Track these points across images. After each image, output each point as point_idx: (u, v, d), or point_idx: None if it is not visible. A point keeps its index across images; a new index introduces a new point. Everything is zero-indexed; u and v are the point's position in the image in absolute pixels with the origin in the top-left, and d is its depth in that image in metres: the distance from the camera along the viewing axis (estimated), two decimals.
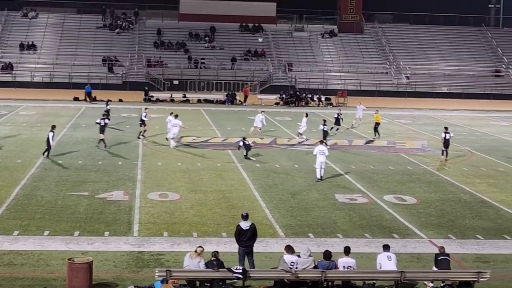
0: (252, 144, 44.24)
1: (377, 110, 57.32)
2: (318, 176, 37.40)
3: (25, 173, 37.27)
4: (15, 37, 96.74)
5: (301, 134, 52.02)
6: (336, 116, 56.07)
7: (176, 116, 47.88)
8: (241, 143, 43.62)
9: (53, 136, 41.65)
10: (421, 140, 53.45)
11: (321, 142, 39.60)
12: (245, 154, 42.89)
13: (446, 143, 44.70)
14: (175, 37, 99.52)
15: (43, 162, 40.27)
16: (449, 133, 45.02)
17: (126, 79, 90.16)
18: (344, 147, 49.27)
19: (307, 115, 53.75)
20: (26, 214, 29.36)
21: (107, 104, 59.93)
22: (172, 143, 46.44)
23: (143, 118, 50.08)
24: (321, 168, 37.46)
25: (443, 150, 44.98)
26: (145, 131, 50.24)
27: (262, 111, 55.54)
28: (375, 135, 54.37)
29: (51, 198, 32.06)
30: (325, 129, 50.23)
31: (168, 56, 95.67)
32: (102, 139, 45.50)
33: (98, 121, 46.81)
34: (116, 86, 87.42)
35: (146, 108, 53.67)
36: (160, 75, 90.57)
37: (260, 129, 53.31)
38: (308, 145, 49.50)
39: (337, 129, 55.78)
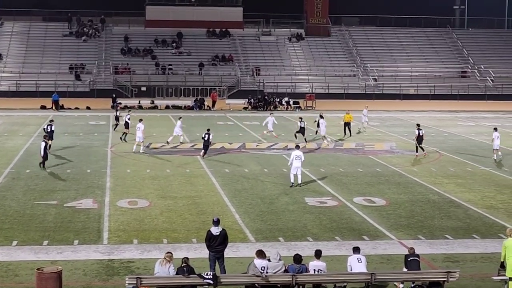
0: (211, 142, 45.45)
1: (348, 111, 57.90)
2: (292, 181, 36.94)
3: None
4: None
5: (325, 137, 51.94)
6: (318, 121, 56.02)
7: (140, 120, 48.04)
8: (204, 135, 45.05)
9: (45, 147, 41.14)
10: (390, 142, 53.70)
11: (297, 147, 38.66)
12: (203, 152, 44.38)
13: (420, 139, 46.72)
14: (142, 44, 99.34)
15: (10, 172, 39.97)
16: (421, 129, 47.15)
17: (94, 86, 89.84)
18: (313, 150, 49.33)
19: (322, 116, 53.40)
20: None
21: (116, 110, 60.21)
22: (136, 148, 46.88)
23: (127, 120, 51.41)
24: (296, 173, 37.00)
25: (417, 147, 46.98)
26: (126, 134, 50.34)
27: (271, 113, 56.48)
28: (345, 134, 55.83)
29: (19, 208, 31.80)
30: (302, 126, 51.40)
31: (136, 63, 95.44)
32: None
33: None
34: (83, 94, 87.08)
35: (129, 111, 53.76)
36: (128, 81, 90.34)
37: (272, 131, 54.49)
38: (277, 149, 49.57)
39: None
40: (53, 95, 76.97)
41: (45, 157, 40.82)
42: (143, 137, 47.26)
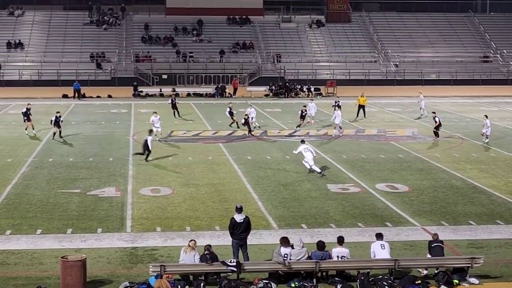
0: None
1: (362, 94, 59.71)
2: (308, 167, 37.13)
3: (16, 172, 37.18)
4: (1, 36, 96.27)
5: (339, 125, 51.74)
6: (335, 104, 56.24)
7: (154, 113, 48.37)
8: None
9: (151, 141, 41.07)
10: (412, 128, 53.47)
11: (302, 142, 38.54)
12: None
13: (438, 126, 48.00)
14: (163, 32, 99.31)
15: (33, 161, 40.18)
16: (437, 116, 48.72)
17: (115, 75, 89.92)
18: (335, 137, 49.25)
19: (339, 107, 53.72)
20: (18, 213, 29.30)
21: None
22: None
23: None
24: (311, 166, 36.92)
25: (435, 132, 48.25)
26: (55, 134, 48.48)
27: (311, 99, 56.95)
28: (357, 116, 57.87)
29: (43, 197, 31.99)
30: (304, 114, 53.37)
31: (156, 51, 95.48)
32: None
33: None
34: (104, 82, 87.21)
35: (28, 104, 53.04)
36: (149, 70, 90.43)
37: (312, 118, 55.38)
38: (298, 136, 49.49)
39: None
40: (74, 83, 77.13)
41: (149, 150, 40.51)
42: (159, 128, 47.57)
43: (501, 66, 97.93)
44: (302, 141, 38.58)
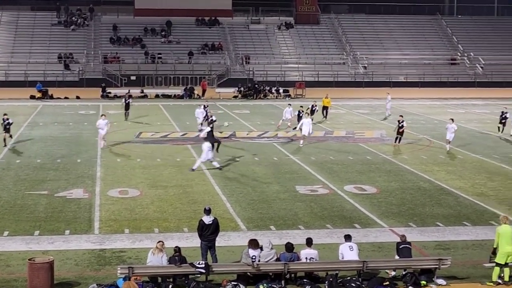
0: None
1: (327, 95, 60.29)
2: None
3: None
4: None
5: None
6: (311, 107, 56.20)
7: (102, 116, 45.96)
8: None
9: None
10: (380, 130, 53.71)
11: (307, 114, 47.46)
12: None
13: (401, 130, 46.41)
14: (131, 33, 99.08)
15: (0, 162, 39.85)
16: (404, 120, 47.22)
17: (83, 76, 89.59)
18: (304, 138, 49.29)
19: (312, 113, 55.00)
20: None
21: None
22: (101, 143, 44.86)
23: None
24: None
25: (398, 137, 46.52)
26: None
27: (289, 104, 56.49)
28: (324, 117, 58.13)
29: (10, 198, 31.73)
30: (301, 115, 51.81)
31: (125, 52, 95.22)
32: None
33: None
34: (72, 83, 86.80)
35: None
36: (117, 71, 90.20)
37: (289, 122, 54.27)
38: (267, 137, 49.57)
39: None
40: (37, 85, 76.87)
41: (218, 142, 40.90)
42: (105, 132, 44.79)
43: (468, 69, 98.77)
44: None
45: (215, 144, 39.65)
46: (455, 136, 45.15)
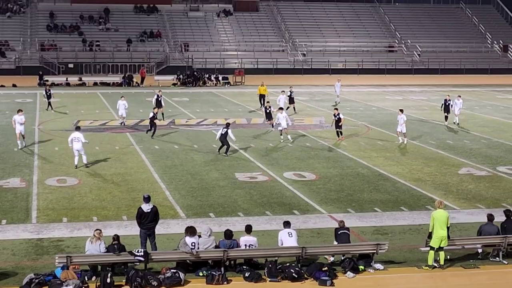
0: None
1: (262, 83, 58.96)
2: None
3: None
4: None
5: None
6: (289, 95, 55.81)
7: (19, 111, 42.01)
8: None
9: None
10: (319, 117, 53.97)
11: (280, 109, 44.85)
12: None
13: (338, 122, 43.42)
14: (68, 20, 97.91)
15: None
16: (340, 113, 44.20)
17: (19, 63, 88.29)
18: (242, 126, 49.41)
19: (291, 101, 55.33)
20: None
21: None
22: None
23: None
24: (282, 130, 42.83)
25: (337, 131, 43.72)
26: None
27: (282, 91, 55.12)
28: (261, 106, 56.22)
29: None
30: (268, 110, 49.19)
31: (62, 40, 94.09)
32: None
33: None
34: (9, 71, 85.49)
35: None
36: (55, 58, 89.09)
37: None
38: (206, 125, 49.50)
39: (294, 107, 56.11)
40: None
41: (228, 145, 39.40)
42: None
43: (406, 56, 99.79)
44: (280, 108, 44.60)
45: (224, 147, 39.18)
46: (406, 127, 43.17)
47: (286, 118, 43.76)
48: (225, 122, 41.88)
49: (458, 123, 50.13)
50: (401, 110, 43.74)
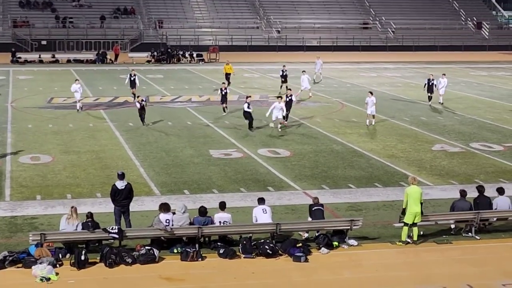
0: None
1: (228, 62, 58.10)
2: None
3: None
4: None
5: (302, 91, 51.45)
6: (281, 73, 55.03)
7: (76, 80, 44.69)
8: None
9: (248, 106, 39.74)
10: (294, 93, 53.86)
11: (279, 97, 41.00)
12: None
13: (289, 104, 41.51)
14: None
15: None
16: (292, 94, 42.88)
17: None
18: (217, 103, 49.27)
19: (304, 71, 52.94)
20: None
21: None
22: None
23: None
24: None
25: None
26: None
27: (303, 71, 53.25)
28: (228, 85, 54.60)
29: None
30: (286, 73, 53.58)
31: (35, 16, 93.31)
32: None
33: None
34: None
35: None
36: (27, 35, 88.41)
37: (310, 93, 52.12)
38: (180, 102, 49.41)
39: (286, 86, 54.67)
40: None
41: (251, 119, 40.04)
42: None
43: (380, 33, 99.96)
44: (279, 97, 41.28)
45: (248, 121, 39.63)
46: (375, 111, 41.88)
47: (282, 108, 39.72)
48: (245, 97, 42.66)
49: (442, 103, 49.24)
50: (371, 93, 42.49)
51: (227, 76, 56.64)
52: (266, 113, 40.33)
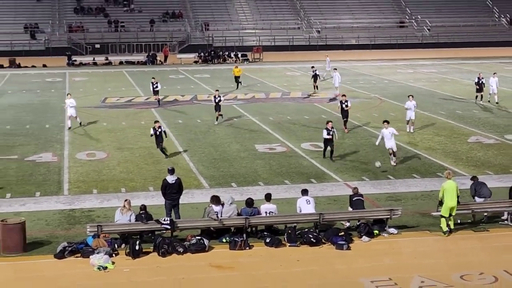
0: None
1: (237, 65, 58.43)
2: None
3: None
4: None
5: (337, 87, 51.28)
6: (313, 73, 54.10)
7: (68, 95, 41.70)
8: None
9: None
10: (334, 90, 53.73)
11: (386, 122, 31.19)
12: None
13: (345, 113, 38.03)
14: (95, 2, 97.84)
15: None
16: (347, 100, 38.29)
17: (49, 45, 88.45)
18: (261, 100, 49.38)
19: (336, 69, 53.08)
20: None
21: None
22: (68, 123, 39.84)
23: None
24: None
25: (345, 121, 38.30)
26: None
27: (334, 69, 53.30)
28: (238, 87, 55.00)
29: None
30: (316, 73, 52.61)
31: (89, 21, 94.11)
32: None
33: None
34: (39, 53, 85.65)
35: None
36: (82, 39, 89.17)
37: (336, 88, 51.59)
38: (227, 99, 49.46)
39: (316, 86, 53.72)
40: None
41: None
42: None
43: (416, 31, 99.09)
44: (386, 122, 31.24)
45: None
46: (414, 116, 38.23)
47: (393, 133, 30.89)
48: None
49: (497, 102, 46.38)
50: (412, 96, 38.79)
51: (236, 78, 55.74)
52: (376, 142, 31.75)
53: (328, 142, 31.31)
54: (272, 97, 50.62)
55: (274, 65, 62.77)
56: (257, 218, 22.05)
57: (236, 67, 57.77)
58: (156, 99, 46.64)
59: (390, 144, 30.32)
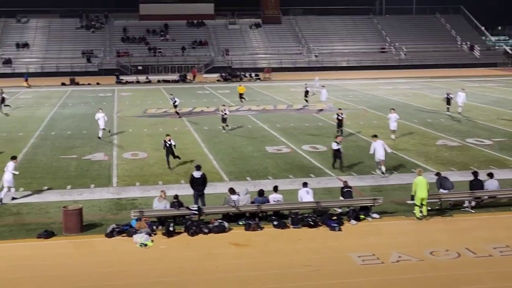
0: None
1: (240, 84, 57.90)
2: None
3: (26, 143, 36.61)
4: (12, 38, 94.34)
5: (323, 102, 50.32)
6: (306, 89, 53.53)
7: (99, 110, 39.08)
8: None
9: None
10: (329, 103, 53.61)
11: (375, 136, 29.21)
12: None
13: (340, 123, 37.44)
14: (138, 33, 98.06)
15: (39, 134, 39.57)
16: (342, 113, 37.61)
17: (101, 67, 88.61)
18: (271, 111, 49.34)
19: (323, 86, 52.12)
20: (29, 174, 28.86)
21: None
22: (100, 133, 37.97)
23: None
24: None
25: (339, 130, 37.44)
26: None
27: (322, 86, 52.08)
28: (242, 102, 53.43)
29: (48, 161, 31.56)
30: (307, 89, 51.97)
31: (133, 48, 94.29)
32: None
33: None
34: (93, 73, 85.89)
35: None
36: (127, 62, 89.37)
37: (325, 104, 50.16)
38: (242, 111, 49.49)
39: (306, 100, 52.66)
40: (25, 74, 75.60)
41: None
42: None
43: (394, 55, 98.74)
44: (375, 136, 29.17)
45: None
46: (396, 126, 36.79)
47: (384, 146, 28.44)
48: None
49: (460, 112, 45.67)
50: (393, 109, 37.29)
51: (241, 95, 54.07)
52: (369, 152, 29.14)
53: (336, 153, 28.97)
54: (279, 109, 50.53)
55: (281, 83, 62.78)
56: (267, 205, 22.06)
57: (240, 85, 57.04)
58: (175, 112, 46.26)
59: (380, 154, 27.83)
